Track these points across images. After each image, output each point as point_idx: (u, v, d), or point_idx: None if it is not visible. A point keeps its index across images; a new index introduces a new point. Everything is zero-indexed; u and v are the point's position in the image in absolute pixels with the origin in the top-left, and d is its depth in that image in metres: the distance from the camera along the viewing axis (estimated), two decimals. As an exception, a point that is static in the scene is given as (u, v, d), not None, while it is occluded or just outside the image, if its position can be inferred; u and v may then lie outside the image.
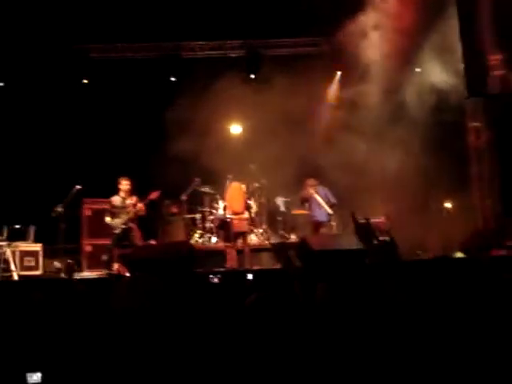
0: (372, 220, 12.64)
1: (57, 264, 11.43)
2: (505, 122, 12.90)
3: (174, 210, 13.57)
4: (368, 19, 13.03)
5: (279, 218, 13.56)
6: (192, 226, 13.61)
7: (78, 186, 11.44)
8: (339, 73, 14.70)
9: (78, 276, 11.17)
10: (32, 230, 11.50)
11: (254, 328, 3.02)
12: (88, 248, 12.25)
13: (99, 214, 11.60)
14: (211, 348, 3.15)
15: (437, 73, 13.09)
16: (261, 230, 13.47)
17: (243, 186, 13.07)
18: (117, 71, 14.27)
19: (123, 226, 10.72)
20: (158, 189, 11.09)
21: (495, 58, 12.32)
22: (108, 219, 10.77)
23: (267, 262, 12.49)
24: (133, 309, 3.61)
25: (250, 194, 13.38)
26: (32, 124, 13.56)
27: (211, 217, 13.30)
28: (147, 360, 3.17)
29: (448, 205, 13.76)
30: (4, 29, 12.89)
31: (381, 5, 12.97)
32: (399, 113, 13.20)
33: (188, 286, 5.41)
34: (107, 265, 10.69)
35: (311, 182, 12.06)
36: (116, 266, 10.68)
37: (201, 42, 14.74)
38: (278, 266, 11.38)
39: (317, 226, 11.98)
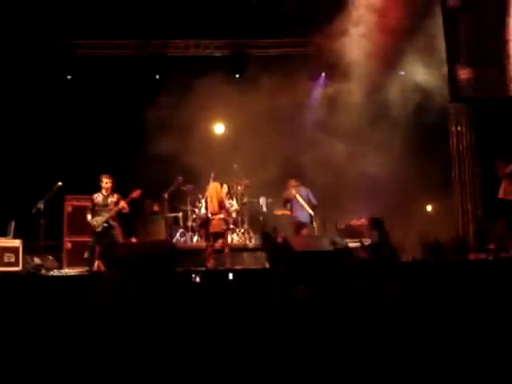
0: (352, 222, 12.75)
1: (37, 260, 11.34)
2: (486, 127, 13.03)
3: (156, 208, 13.54)
4: (352, 20, 13.07)
5: (261, 218, 13.58)
6: (174, 224, 13.59)
7: (60, 183, 11.37)
8: (323, 74, 14.74)
9: (58, 273, 11.12)
10: (12, 225, 11.40)
11: (237, 325, 3.03)
12: (68, 245, 12.17)
13: (80, 211, 11.52)
14: (194, 345, 3.15)
15: (420, 75, 13.17)
16: (242, 230, 13.50)
17: (225, 186, 13.07)
18: (101, 68, 14.18)
19: (105, 224, 10.67)
20: (141, 187, 11.04)
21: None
22: (89, 217, 10.71)
23: (248, 261, 12.50)
24: (112, 306, 3.60)
25: (232, 194, 13.40)
26: (14, 119, 13.44)
27: (193, 216, 13.30)
28: (129, 357, 3.17)
29: (429, 208, 13.87)
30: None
31: (366, 6, 13.01)
32: (382, 115, 13.26)
33: (168, 285, 5.40)
34: (88, 262, 10.63)
35: (293, 182, 12.08)
36: (97, 263, 10.63)
37: (186, 41, 14.69)
38: (258, 266, 11.42)
39: (298, 226, 11.99)
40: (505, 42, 12.41)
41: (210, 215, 11.56)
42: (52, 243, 12.07)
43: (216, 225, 11.47)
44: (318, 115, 14.19)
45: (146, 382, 3.03)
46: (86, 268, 10.66)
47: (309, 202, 11.95)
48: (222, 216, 11.52)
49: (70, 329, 3.83)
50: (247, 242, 13.30)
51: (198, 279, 6.68)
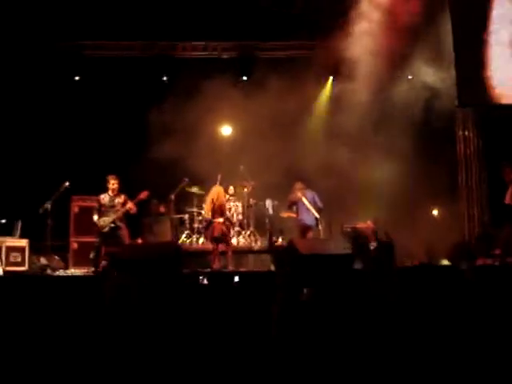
0: (358, 225, 12.74)
1: (43, 260, 11.37)
2: (494, 132, 13.00)
3: (162, 209, 13.57)
4: (360, 23, 13.06)
5: (267, 221, 13.58)
6: (179, 226, 13.61)
7: (67, 183, 11.41)
8: (331, 77, 14.75)
9: (63, 273, 11.15)
10: (18, 225, 11.43)
11: (244, 328, 3.03)
12: (75, 245, 12.21)
13: (87, 212, 11.55)
14: (200, 346, 3.16)
15: (429, 79, 13.14)
16: (248, 232, 13.50)
17: (231, 188, 13.11)
18: (108, 69, 14.22)
19: (112, 225, 10.68)
20: (147, 188, 11.06)
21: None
22: (96, 217, 10.73)
23: (253, 264, 12.51)
24: (118, 307, 3.61)
25: (237, 196, 13.42)
26: (21, 119, 13.49)
27: (199, 217, 13.31)
28: (135, 357, 3.17)
29: (435, 212, 13.84)
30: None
31: (373, 8, 13.00)
32: (390, 119, 13.25)
33: (174, 286, 5.41)
34: (94, 263, 10.65)
35: (299, 185, 12.07)
36: (103, 264, 10.65)
37: (194, 43, 14.71)
38: (264, 269, 11.42)
39: (304, 229, 11.98)
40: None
41: (212, 218, 11.56)
42: (58, 243, 12.11)
43: (216, 229, 11.47)
44: (325, 118, 14.19)
45: (152, 382, 3.04)
46: (92, 268, 10.68)
47: (315, 205, 11.94)
48: (221, 220, 11.51)
49: (75, 329, 3.84)
50: (253, 244, 13.30)
51: (205, 281, 6.69)
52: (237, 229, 13.35)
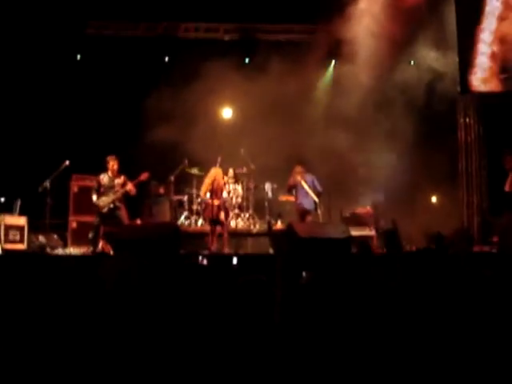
0: (357, 210, 12.75)
1: (42, 238, 11.38)
2: (494, 119, 12.98)
3: (161, 190, 13.56)
4: (363, 7, 13.01)
5: (266, 204, 13.60)
6: (178, 207, 13.62)
7: (67, 162, 11.40)
8: (334, 61, 14.69)
9: (62, 252, 11.16)
10: (18, 203, 11.43)
11: (243, 312, 3.04)
12: (74, 224, 12.22)
13: (87, 191, 11.53)
14: (200, 330, 3.17)
15: (431, 64, 13.11)
16: (247, 215, 13.52)
17: (231, 171, 13.10)
18: (111, 49, 14.16)
19: (111, 205, 10.68)
20: (148, 169, 11.06)
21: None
22: (95, 198, 10.72)
23: (252, 247, 12.54)
24: (120, 288, 3.61)
25: (237, 179, 13.41)
26: (22, 98, 13.43)
27: (198, 199, 13.31)
28: (137, 342, 3.18)
29: (434, 199, 13.85)
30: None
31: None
32: (391, 104, 13.21)
33: (173, 267, 5.42)
34: (93, 242, 10.66)
35: (299, 168, 12.03)
36: (101, 243, 10.67)
37: (196, 24, 14.64)
38: (262, 252, 11.45)
39: (303, 213, 11.98)
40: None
41: (208, 200, 11.57)
42: (57, 222, 12.12)
43: (213, 211, 11.45)
44: (327, 102, 14.15)
45: (152, 368, 3.05)
46: (91, 248, 10.70)
47: (314, 189, 11.92)
48: (218, 203, 11.50)
49: (73, 309, 3.84)
50: (251, 227, 13.32)
51: (204, 261, 6.70)
52: (236, 211, 13.36)
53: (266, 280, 3.21)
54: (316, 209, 11.96)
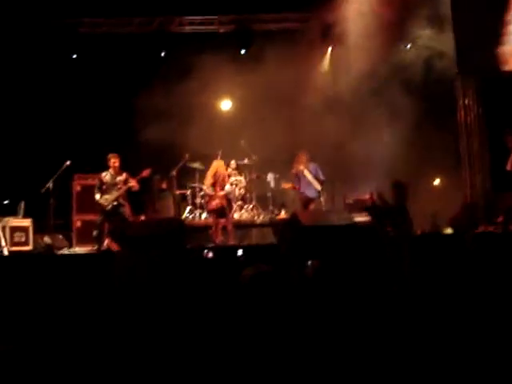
0: (361, 197, 12.74)
1: (47, 239, 11.41)
2: (494, 99, 12.95)
3: (164, 185, 13.57)
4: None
5: (269, 195, 13.61)
6: (182, 201, 13.64)
7: (68, 162, 11.42)
8: (330, 47, 14.63)
9: (67, 251, 11.20)
10: (22, 205, 11.46)
11: (250, 303, 3.05)
12: (78, 223, 12.25)
13: (89, 190, 11.54)
14: (207, 322, 3.18)
15: (428, 47, 13.07)
16: (250, 206, 13.54)
17: (233, 162, 13.12)
18: (107, 46, 14.13)
19: (114, 203, 10.70)
20: (149, 164, 11.08)
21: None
22: (98, 196, 10.74)
23: (256, 237, 12.56)
24: (130, 283, 3.63)
25: (240, 170, 13.43)
26: (21, 100, 13.42)
27: (201, 193, 13.33)
28: (146, 335, 3.20)
29: (438, 180, 13.83)
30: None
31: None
32: (390, 87, 13.17)
33: (180, 261, 5.44)
34: (97, 240, 10.69)
35: (302, 157, 12.02)
36: (106, 241, 10.70)
37: (190, 17, 14.60)
38: (266, 242, 11.48)
39: (306, 202, 11.99)
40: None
41: (212, 192, 11.59)
42: (61, 222, 12.15)
43: (216, 203, 11.49)
44: (325, 88, 14.11)
45: (162, 363, 3.07)
46: (96, 246, 10.73)
47: (316, 178, 11.93)
48: (222, 194, 11.53)
49: (83, 306, 3.87)
50: (255, 218, 13.33)
51: (210, 254, 6.73)
52: (239, 203, 13.38)
53: (272, 270, 3.23)
54: (319, 197, 11.97)
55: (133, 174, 10.91)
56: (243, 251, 8.45)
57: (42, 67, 13.59)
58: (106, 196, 10.69)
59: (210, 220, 12.28)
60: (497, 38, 12.38)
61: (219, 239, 11.34)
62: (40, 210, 11.49)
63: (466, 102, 13.30)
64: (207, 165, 12.51)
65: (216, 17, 14.62)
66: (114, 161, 10.87)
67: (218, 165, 11.74)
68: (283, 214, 13.19)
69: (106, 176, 10.84)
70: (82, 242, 11.95)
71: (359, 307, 3.27)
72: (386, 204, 8.05)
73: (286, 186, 12.69)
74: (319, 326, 3.08)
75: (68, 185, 12.24)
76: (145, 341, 3.23)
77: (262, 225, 12.98)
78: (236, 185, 13.26)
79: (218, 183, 11.52)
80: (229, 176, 12.50)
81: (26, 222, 11.21)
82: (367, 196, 12.45)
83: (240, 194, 13.44)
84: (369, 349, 2.97)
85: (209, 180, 11.65)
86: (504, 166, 10.92)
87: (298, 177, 12.01)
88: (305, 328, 3.00)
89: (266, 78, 12.78)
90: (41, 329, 3.63)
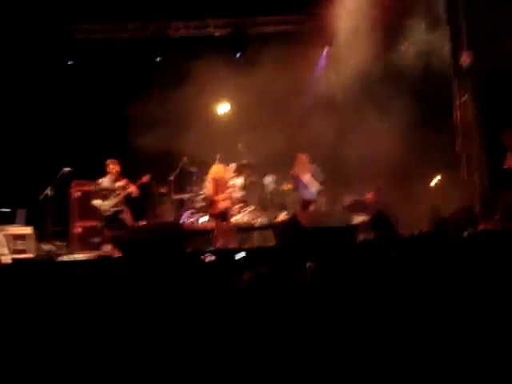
0: (359, 198, 12.77)
1: (46, 246, 11.44)
2: (491, 98, 12.97)
3: (163, 190, 13.59)
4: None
5: (268, 197, 13.63)
6: (180, 205, 13.66)
7: (67, 169, 11.44)
8: (326, 49, 14.65)
9: (67, 258, 11.21)
10: (22, 213, 11.49)
11: (249, 307, 3.07)
12: (78, 230, 12.27)
13: (88, 196, 11.60)
14: (208, 328, 3.20)
15: (424, 47, 13.09)
16: (250, 209, 13.56)
17: (232, 165, 13.15)
18: (102, 52, 14.15)
19: (114, 209, 10.73)
20: (147, 170, 11.13)
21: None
22: (95, 202, 10.76)
23: (257, 240, 12.57)
24: (131, 288, 3.66)
25: (239, 172, 13.46)
26: (18, 107, 13.44)
27: (200, 197, 13.35)
28: (147, 341, 3.22)
29: (436, 179, 13.84)
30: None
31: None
32: (386, 87, 13.18)
33: (180, 265, 5.46)
34: (98, 246, 10.72)
35: (301, 158, 12.06)
36: (107, 247, 10.72)
37: (185, 22, 14.63)
38: (266, 245, 11.49)
39: (305, 203, 12.03)
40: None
41: (213, 196, 11.61)
42: (60, 229, 12.17)
43: (218, 206, 11.52)
44: (322, 89, 14.13)
45: (163, 370, 3.09)
46: (96, 252, 10.75)
47: (315, 179, 11.97)
48: (223, 197, 11.56)
49: (84, 313, 3.89)
50: (255, 220, 13.35)
51: (212, 258, 6.76)
52: (239, 205, 13.40)
53: (267, 271, 3.26)
54: (318, 199, 12.00)
55: (132, 179, 10.93)
56: (243, 254, 8.46)
57: (39, 74, 13.61)
58: (106, 202, 10.73)
59: (209, 223, 12.32)
60: (493, 37, 12.37)
61: (220, 242, 11.37)
62: (39, 216, 11.50)
63: (463, 101, 13.33)
64: (205, 168, 12.55)
65: (211, 20, 14.66)
66: (113, 167, 10.90)
67: (215, 169, 11.79)
68: (283, 216, 13.21)
69: (103, 182, 10.87)
70: (82, 248, 11.98)
71: (356, 310, 3.29)
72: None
73: (287, 187, 12.74)
74: (316, 328, 3.11)
75: (67, 191, 12.26)
76: (146, 345, 3.26)
77: (261, 227, 13.00)
78: (236, 187, 13.28)
79: (218, 187, 11.56)
80: (229, 179, 12.54)
81: (28, 230, 11.25)
82: (367, 197, 12.54)
83: (239, 197, 13.45)
84: (367, 351, 3.00)
85: (209, 184, 11.71)
86: (501, 165, 10.96)
87: (297, 179, 12.05)
88: (302, 331, 3.03)
89: (262, 80, 12.79)
90: (42, 336, 3.66)
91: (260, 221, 13.29)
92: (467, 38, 12.65)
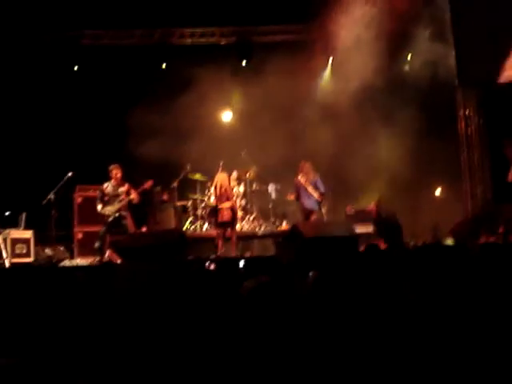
0: (362, 208, 12.76)
1: (48, 251, 11.43)
2: (494, 110, 12.97)
3: (165, 197, 13.58)
4: (358, 2, 13.03)
5: (270, 206, 13.62)
6: (183, 213, 13.65)
7: (70, 173, 11.45)
8: (331, 58, 14.67)
9: (69, 263, 11.20)
10: (23, 216, 11.48)
11: (251, 316, 3.06)
12: (79, 235, 12.26)
13: (91, 201, 11.58)
14: (209, 337, 3.18)
15: (428, 58, 13.09)
16: (252, 218, 13.54)
17: (235, 173, 13.15)
18: (107, 58, 14.17)
19: (116, 214, 10.72)
20: (150, 176, 11.11)
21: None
22: (99, 207, 10.76)
23: (258, 249, 12.56)
24: (131, 295, 3.64)
25: (241, 180, 13.45)
26: (23, 111, 13.46)
27: (202, 204, 13.34)
28: (146, 348, 3.20)
29: (438, 192, 13.84)
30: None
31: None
32: (390, 98, 13.19)
33: (181, 273, 5.44)
34: (99, 252, 10.70)
35: (305, 167, 12.03)
36: (108, 253, 10.70)
37: (191, 29, 14.66)
38: (268, 254, 11.47)
39: (307, 213, 12.00)
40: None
41: (217, 205, 11.59)
42: (63, 233, 12.16)
43: (224, 214, 11.49)
44: (327, 99, 14.14)
45: (161, 374, 3.07)
46: (97, 258, 10.74)
47: (317, 189, 11.94)
48: (228, 205, 11.53)
49: (84, 320, 3.87)
50: (257, 229, 13.34)
51: (212, 266, 6.73)
52: (240, 214, 13.38)
53: (270, 281, 3.24)
54: (320, 208, 11.98)
55: (134, 185, 10.92)
56: (245, 263, 8.44)
57: (45, 79, 13.64)
58: (108, 207, 10.71)
59: (211, 231, 12.30)
60: (497, 49, 12.37)
61: (222, 250, 11.34)
62: (41, 221, 11.50)
63: (467, 113, 13.32)
64: (209, 176, 12.55)
65: (217, 28, 14.70)
66: (116, 172, 10.90)
67: (219, 178, 11.77)
68: (285, 225, 13.19)
69: (108, 187, 10.86)
70: (83, 253, 11.97)
71: (359, 319, 3.27)
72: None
73: (290, 196, 12.71)
74: (318, 337, 3.08)
75: (69, 196, 12.26)
76: (147, 352, 3.23)
77: (263, 236, 12.99)
78: (238, 195, 13.28)
79: (221, 195, 11.54)
80: (232, 187, 12.54)
81: (28, 234, 11.24)
82: (368, 207, 12.52)
83: (241, 205, 13.44)
84: (370, 361, 2.98)
85: (213, 193, 11.71)
86: (505, 178, 10.93)
87: (299, 188, 12.02)
88: (304, 339, 3.01)
89: (266, 89, 12.81)
90: (42, 341, 3.63)
91: (262, 229, 13.27)
92: (471, 49, 12.63)
